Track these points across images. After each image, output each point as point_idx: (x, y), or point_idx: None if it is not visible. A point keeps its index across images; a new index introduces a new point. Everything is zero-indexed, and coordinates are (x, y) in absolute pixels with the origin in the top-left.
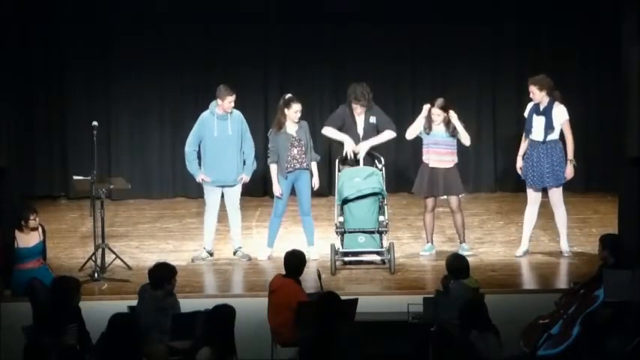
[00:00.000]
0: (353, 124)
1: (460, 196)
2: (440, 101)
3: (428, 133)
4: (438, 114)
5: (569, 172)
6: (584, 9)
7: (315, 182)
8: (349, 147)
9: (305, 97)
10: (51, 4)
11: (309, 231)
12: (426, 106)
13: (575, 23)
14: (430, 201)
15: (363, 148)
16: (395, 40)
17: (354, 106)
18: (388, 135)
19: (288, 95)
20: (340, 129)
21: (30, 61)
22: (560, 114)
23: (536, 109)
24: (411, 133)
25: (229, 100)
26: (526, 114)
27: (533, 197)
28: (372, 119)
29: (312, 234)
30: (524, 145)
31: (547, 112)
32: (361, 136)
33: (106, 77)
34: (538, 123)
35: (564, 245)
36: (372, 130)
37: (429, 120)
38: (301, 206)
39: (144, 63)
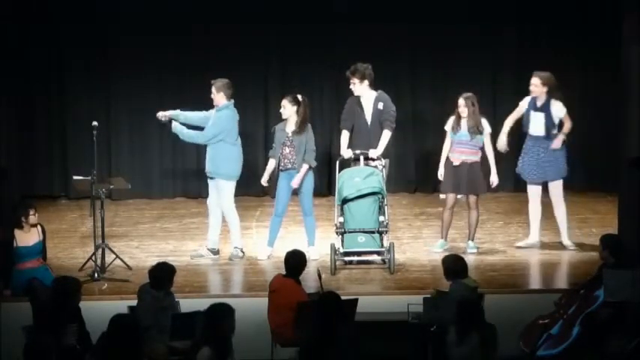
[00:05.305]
0: (361, 112)
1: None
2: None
3: (455, 133)
4: (463, 105)
5: (558, 141)
6: (584, 9)
7: (295, 182)
8: (344, 154)
9: (305, 97)
10: (50, 4)
11: (310, 231)
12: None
13: (575, 23)
14: (451, 197)
15: (374, 154)
16: (395, 40)
17: (351, 81)
18: (386, 136)
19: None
20: (354, 123)
21: (29, 61)
22: (559, 109)
23: (533, 105)
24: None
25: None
26: (524, 105)
27: (535, 191)
28: (380, 105)
29: (313, 234)
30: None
31: (546, 109)
32: (369, 124)
33: (106, 77)
34: (537, 119)
35: (567, 240)
36: (380, 118)
37: (457, 118)
38: (302, 206)
39: (144, 63)
